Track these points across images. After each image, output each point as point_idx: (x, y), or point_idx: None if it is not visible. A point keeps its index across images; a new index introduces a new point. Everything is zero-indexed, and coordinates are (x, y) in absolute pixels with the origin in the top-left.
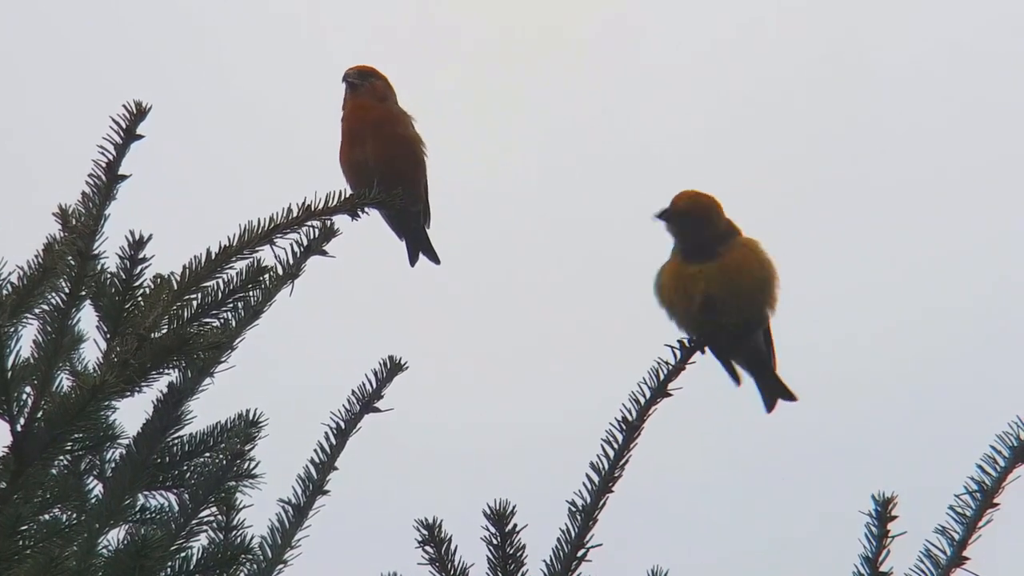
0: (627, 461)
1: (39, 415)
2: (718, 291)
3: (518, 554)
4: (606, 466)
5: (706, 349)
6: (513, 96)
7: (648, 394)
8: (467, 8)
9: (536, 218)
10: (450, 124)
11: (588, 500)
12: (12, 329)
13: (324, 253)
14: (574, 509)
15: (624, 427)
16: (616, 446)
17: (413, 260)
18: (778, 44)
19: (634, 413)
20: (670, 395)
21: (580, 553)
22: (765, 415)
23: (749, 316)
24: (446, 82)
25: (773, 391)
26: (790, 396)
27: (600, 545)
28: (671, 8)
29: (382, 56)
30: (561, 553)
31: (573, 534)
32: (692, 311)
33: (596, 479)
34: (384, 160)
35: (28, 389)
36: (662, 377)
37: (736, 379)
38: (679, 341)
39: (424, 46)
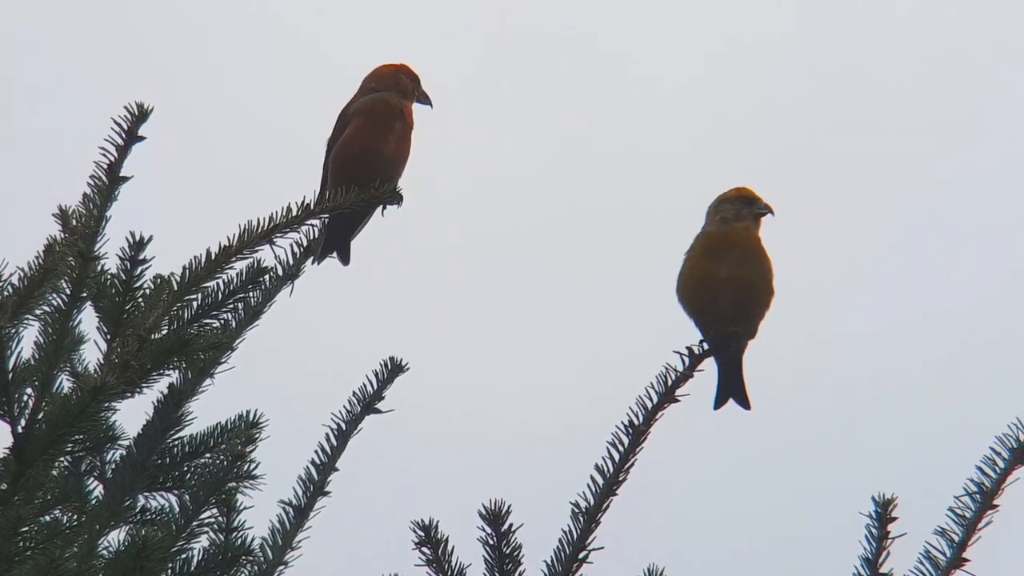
0: (632, 465)
1: (40, 416)
2: (737, 313)
3: (515, 553)
4: (611, 469)
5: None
6: (515, 91)
7: (655, 399)
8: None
9: (536, 215)
10: (449, 120)
11: (591, 502)
12: (13, 330)
13: None
14: (577, 511)
15: (630, 431)
16: (621, 450)
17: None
18: (777, 42)
19: (641, 417)
20: (677, 401)
21: (582, 555)
22: (713, 411)
23: (756, 327)
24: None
25: (732, 391)
26: (746, 403)
27: (602, 548)
28: (671, 8)
29: (381, 53)
30: (562, 554)
31: (575, 535)
32: (710, 317)
33: (600, 482)
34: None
35: (29, 390)
36: (670, 383)
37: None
38: (687, 348)
39: (423, 43)
